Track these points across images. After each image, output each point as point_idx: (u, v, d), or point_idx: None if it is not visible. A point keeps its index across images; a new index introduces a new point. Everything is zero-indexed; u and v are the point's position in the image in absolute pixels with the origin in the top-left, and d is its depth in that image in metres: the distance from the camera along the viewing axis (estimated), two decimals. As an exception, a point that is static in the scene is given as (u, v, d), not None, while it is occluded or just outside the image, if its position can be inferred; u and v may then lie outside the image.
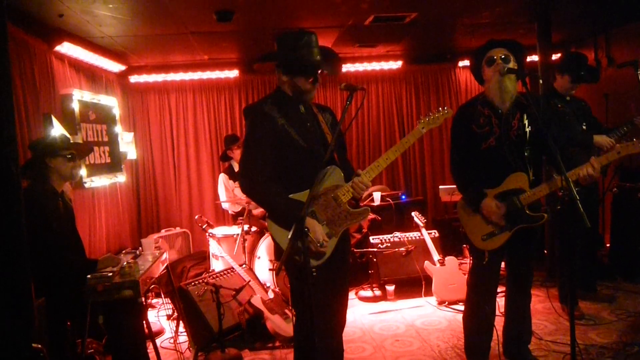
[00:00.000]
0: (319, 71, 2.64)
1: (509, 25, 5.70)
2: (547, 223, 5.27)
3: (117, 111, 5.97)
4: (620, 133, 4.21)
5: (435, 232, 5.34)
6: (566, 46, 6.87)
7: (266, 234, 5.17)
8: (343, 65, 6.83)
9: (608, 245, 5.50)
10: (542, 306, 4.58)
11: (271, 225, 2.58)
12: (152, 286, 5.00)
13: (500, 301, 3.58)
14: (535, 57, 5.64)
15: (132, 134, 6.48)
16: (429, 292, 4.94)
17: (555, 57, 6.51)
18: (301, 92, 2.66)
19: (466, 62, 7.19)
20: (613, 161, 3.14)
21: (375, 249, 5.18)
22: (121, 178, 5.98)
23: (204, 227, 4.86)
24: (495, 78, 3.07)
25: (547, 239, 5.42)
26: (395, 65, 7.10)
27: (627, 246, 5.07)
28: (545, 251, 5.62)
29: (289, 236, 2.31)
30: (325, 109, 2.84)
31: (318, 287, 2.53)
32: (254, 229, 5.32)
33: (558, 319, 4.27)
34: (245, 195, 2.75)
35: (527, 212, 3.09)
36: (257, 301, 4.25)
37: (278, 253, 2.68)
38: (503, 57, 3.07)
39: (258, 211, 5.67)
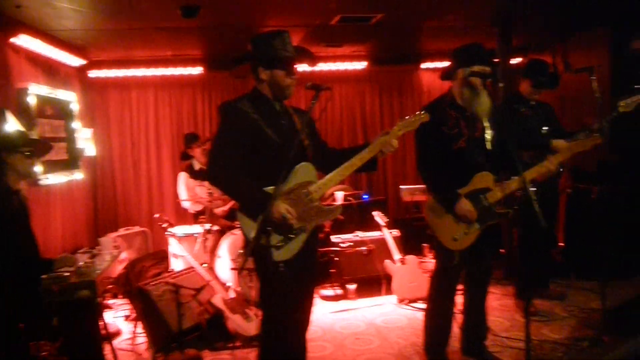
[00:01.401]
0: (298, 63, 2.71)
1: (472, 29, 5.81)
2: (504, 222, 5.44)
3: (75, 106, 5.83)
4: (578, 139, 4.35)
5: (396, 232, 5.41)
6: (526, 51, 7.05)
7: (228, 233, 5.14)
8: (308, 65, 6.84)
9: (562, 244, 5.69)
10: (498, 303, 4.71)
11: (241, 218, 2.58)
12: (110, 286, 4.90)
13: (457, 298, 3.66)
14: (495, 61, 5.78)
15: (90, 130, 6.33)
16: (389, 291, 5.00)
17: (514, 61, 6.69)
18: (281, 89, 2.69)
19: (429, 64, 7.30)
20: (569, 159, 3.26)
21: (336, 248, 5.22)
22: (78, 175, 5.84)
23: (164, 225, 4.79)
24: (476, 93, 3.17)
25: (505, 238, 5.56)
26: (360, 65, 7.15)
27: (580, 245, 5.26)
28: (502, 250, 5.77)
29: (258, 220, 2.34)
30: (303, 112, 2.87)
31: (285, 284, 2.55)
32: (215, 228, 5.27)
33: (514, 315, 4.40)
34: (211, 183, 2.74)
35: (494, 209, 3.22)
36: (217, 301, 4.22)
37: (245, 246, 2.69)
38: (485, 75, 3.15)
39: (220, 210, 5.63)
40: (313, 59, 2.83)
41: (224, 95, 6.87)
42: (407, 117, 2.83)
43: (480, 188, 3.21)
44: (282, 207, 2.52)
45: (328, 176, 2.71)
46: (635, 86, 5.07)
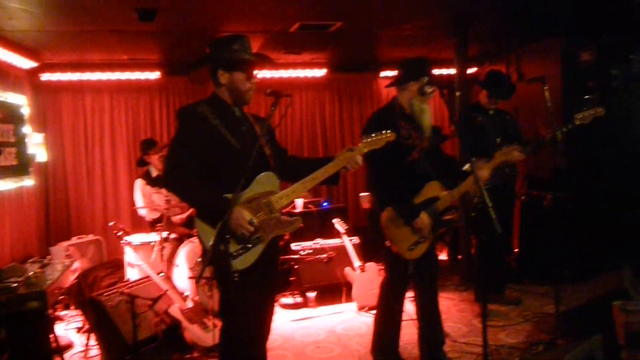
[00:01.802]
0: (257, 68, 2.71)
1: (429, 38, 5.93)
2: (461, 229, 5.55)
3: (26, 110, 5.64)
4: (530, 148, 4.47)
5: (356, 239, 5.43)
6: (481, 61, 7.24)
7: (185, 242, 5.06)
8: (268, 72, 6.85)
9: (516, 250, 5.83)
10: (456, 309, 4.78)
11: (199, 226, 2.53)
12: (61, 297, 4.75)
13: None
14: (452, 71, 5.90)
15: (42, 135, 6.13)
16: (349, 298, 5.01)
17: (471, 71, 6.86)
18: (240, 93, 2.67)
19: (388, 73, 7.40)
20: (524, 166, 3.36)
21: (296, 256, 5.20)
22: (29, 182, 5.64)
23: (119, 234, 4.68)
24: (422, 106, 3.31)
25: (462, 244, 5.66)
26: (319, 73, 7.18)
27: (533, 251, 5.40)
28: (460, 256, 5.88)
29: (217, 228, 2.32)
30: (262, 120, 2.86)
31: (245, 294, 2.53)
32: (172, 236, 5.19)
33: (471, 321, 4.47)
34: (168, 189, 2.70)
35: (442, 218, 3.32)
36: (175, 311, 4.14)
37: (203, 255, 2.64)
38: (432, 91, 3.29)
39: (177, 218, 5.55)
40: (273, 64, 2.83)
41: (182, 101, 6.78)
42: (373, 135, 2.83)
43: (430, 197, 3.30)
44: (243, 214, 2.49)
45: (291, 188, 2.70)
46: (586, 97, 5.29)
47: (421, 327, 3.54)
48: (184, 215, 5.57)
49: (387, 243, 3.25)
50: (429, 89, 3.28)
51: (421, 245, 3.27)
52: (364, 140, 2.83)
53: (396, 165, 3.23)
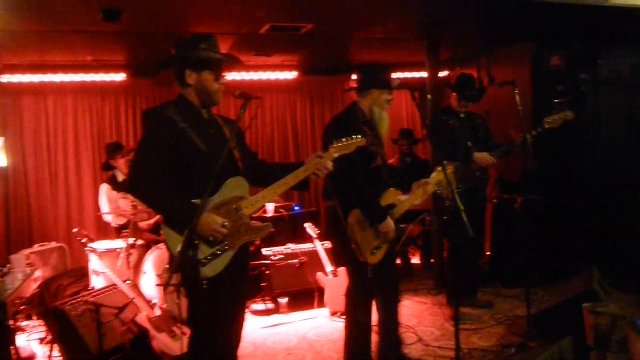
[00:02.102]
0: (226, 69, 2.70)
1: (401, 41, 5.98)
2: (433, 233, 5.60)
3: (-17, 113, 5.48)
4: (500, 152, 4.57)
5: (327, 243, 5.43)
6: (452, 64, 7.34)
7: (153, 248, 4.99)
8: (237, 74, 6.82)
9: (488, 253, 5.92)
10: (428, 313, 4.82)
11: (166, 232, 2.50)
12: (22, 307, 4.63)
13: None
14: (424, 74, 5.97)
15: (1, 139, 5.97)
16: (322, 304, 5.01)
17: (442, 74, 6.94)
18: (209, 94, 2.65)
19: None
20: (495, 169, 3.44)
21: (267, 261, 5.17)
22: (-13, 187, 5.48)
23: (83, 240, 4.60)
24: (382, 114, 3.42)
25: (435, 248, 5.72)
26: (290, 75, 7.18)
27: (505, 254, 5.49)
28: (432, 260, 5.93)
29: (185, 234, 2.29)
30: (231, 122, 2.84)
31: (214, 301, 2.51)
32: (139, 242, 5.11)
33: (444, 324, 4.51)
34: (133, 195, 2.65)
35: (399, 225, 3.48)
36: (142, 319, 4.08)
37: (171, 262, 2.61)
38: (391, 99, 3.45)
39: (144, 223, 5.47)
40: (241, 64, 2.81)
41: (149, 103, 6.70)
42: (343, 140, 2.85)
43: (388, 204, 3.39)
44: (215, 218, 2.47)
45: (261, 193, 2.69)
46: (555, 100, 5.41)
47: (382, 332, 3.59)
48: (151, 221, 5.50)
49: (353, 245, 3.28)
50: (389, 99, 3.43)
51: (381, 249, 3.35)
52: (335, 145, 2.84)
53: (362, 169, 3.30)
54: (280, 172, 2.74)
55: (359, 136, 2.89)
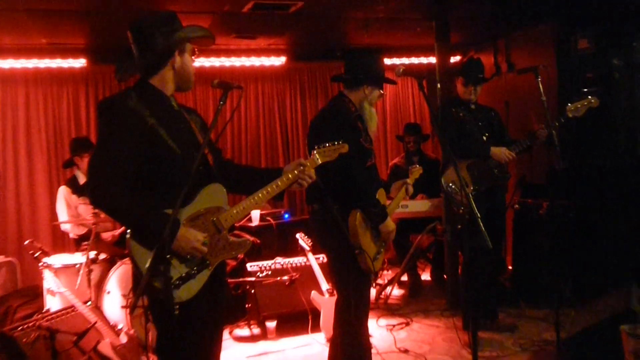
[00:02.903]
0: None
1: (405, 22, 5.97)
2: (446, 244, 5.58)
3: None
4: (521, 146, 4.55)
5: (323, 257, 5.39)
6: (465, 48, 7.34)
7: (118, 263, 4.94)
8: (216, 59, 6.81)
9: (510, 267, 5.89)
10: (441, 338, 4.78)
11: (133, 247, 2.44)
12: (-36, 333, 4.57)
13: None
14: (433, 59, 5.95)
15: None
16: (317, 328, 4.97)
17: (454, 59, 6.94)
18: (189, 76, 2.63)
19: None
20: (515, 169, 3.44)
21: (253, 279, 5.13)
22: None
23: (36, 255, 4.56)
24: (373, 111, 3.59)
25: (447, 262, 5.69)
26: (278, 61, 7.16)
27: (530, 268, 5.46)
28: (445, 276, 5.90)
29: (154, 250, 2.26)
30: (192, 111, 2.82)
31: (188, 328, 2.48)
32: (102, 256, 5.06)
33: (459, 352, 4.47)
34: (95, 206, 2.59)
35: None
36: (105, 347, 4.06)
37: (138, 283, 2.53)
38: (381, 95, 3.67)
39: (108, 234, 5.44)
40: (213, 42, 2.78)
41: (114, 92, 6.64)
42: (327, 145, 2.94)
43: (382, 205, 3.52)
44: (195, 234, 2.43)
45: (241, 204, 2.67)
46: (584, 90, 5.40)
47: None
48: (117, 232, 5.47)
49: (357, 252, 3.33)
50: (381, 94, 3.64)
51: (381, 256, 3.50)
52: (319, 150, 2.90)
53: (363, 166, 3.43)
54: (257, 179, 2.77)
55: (341, 141, 2.99)
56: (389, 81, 3.74)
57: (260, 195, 2.69)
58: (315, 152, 2.89)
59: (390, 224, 3.45)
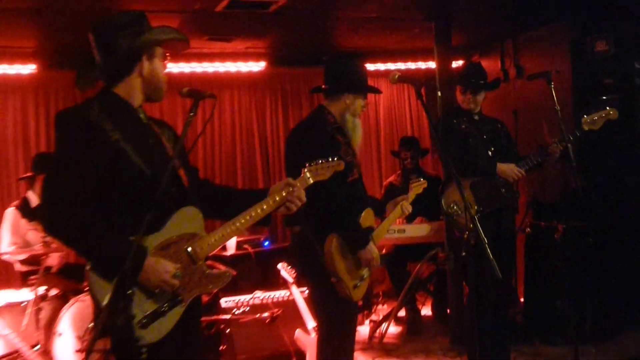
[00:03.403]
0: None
1: (402, 22, 6.00)
2: (450, 274, 5.58)
3: None
4: (531, 162, 4.56)
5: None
6: (469, 52, 7.39)
7: (72, 300, 4.88)
8: (186, 65, 6.81)
9: (522, 299, 5.89)
10: (446, 383, 4.77)
11: (92, 279, 2.41)
12: None
13: None
14: (432, 64, 5.99)
15: None
16: (302, 372, 4.94)
17: (456, 64, 6.98)
18: (160, 84, 2.61)
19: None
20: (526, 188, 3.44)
21: (228, 316, 5.10)
22: None
23: (-24, 291, 4.50)
24: (356, 122, 3.67)
25: (450, 294, 5.69)
26: (256, 66, 7.18)
27: (544, 301, 5.46)
28: (448, 310, 5.89)
29: (115, 282, 2.22)
30: (163, 124, 2.80)
31: None
32: (53, 292, 5.01)
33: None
34: (49, 233, 2.55)
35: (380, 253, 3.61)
36: (56, 398, 3.98)
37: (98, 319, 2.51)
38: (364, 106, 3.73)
39: (56, 255, 5.37)
40: (187, 45, 2.77)
41: (67, 103, 6.66)
42: (320, 162, 2.95)
43: (367, 227, 3.54)
44: (165, 265, 2.41)
45: (220, 231, 2.64)
46: (602, 97, 5.45)
47: None
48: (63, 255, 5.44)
49: (333, 280, 3.33)
50: (364, 104, 3.71)
51: (363, 284, 3.51)
52: (310, 169, 2.90)
53: (340, 185, 3.39)
54: (239, 201, 2.73)
55: (337, 159, 3.03)
56: (372, 90, 3.82)
57: (242, 220, 2.65)
58: (306, 170, 2.89)
59: (371, 251, 3.44)
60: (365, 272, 3.51)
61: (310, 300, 3.74)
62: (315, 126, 3.59)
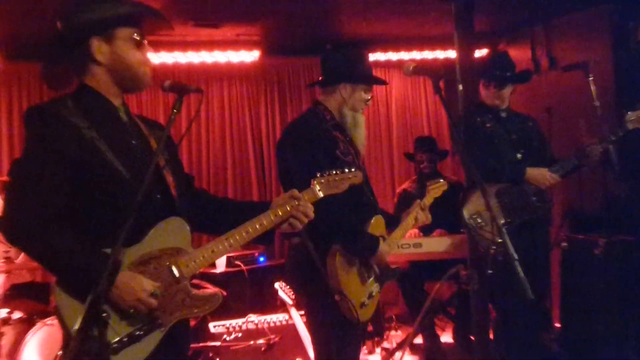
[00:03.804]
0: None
1: (416, 4, 6.01)
2: (474, 295, 5.57)
3: None
4: (567, 166, 4.55)
5: (311, 313, 5.38)
6: (495, 39, 7.40)
7: (38, 324, 4.90)
8: (168, 54, 6.82)
9: (557, 325, 5.88)
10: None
11: (60, 298, 2.41)
12: None
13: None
14: (452, 53, 6.00)
15: None
16: (302, 408, 4.94)
17: (479, 53, 6.99)
18: (131, 69, 2.57)
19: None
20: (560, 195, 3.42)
21: (217, 343, 5.10)
22: None
23: None
24: (356, 117, 3.65)
25: (474, 318, 5.67)
26: (249, 56, 7.18)
27: (582, 325, 5.45)
28: (472, 336, 5.88)
29: (88, 301, 2.18)
30: (153, 124, 2.81)
31: None
32: (17, 315, 5.02)
33: None
34: (12, 243, 2.54)
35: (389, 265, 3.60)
36: None
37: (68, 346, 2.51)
38: (369, 100, 3.70)
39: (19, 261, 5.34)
40: (168, 25, 2.76)
41: (33, 99, 6.73)
42: (334, 172, 2.94)
43: (378, 236, 3.53)
44: (141, 281, 2.40)
45: (210, 246, 2.63)
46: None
47: None
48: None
49: (337, 297, 3.29)
50: (367, 98, 3.66)
51: (372, 301, 3.49)
52: (320, 180, 2.89)
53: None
54: (237, 214, 2.72)
55: (353, 170, 3.04)
56: (373, 79, 3.75)
57: (237, 236, 2.64)
58: (315, 182, 2.87)
59: (382, 254, 3.45)
60: (374, 288, 3.49)
61: (308, 323, 3.71)
62: (305, 124, 3.60)
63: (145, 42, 2.63)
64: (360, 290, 3.42)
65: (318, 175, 2.90)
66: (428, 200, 3.79)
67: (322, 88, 3.70)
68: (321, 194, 2.88)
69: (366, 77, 3.66)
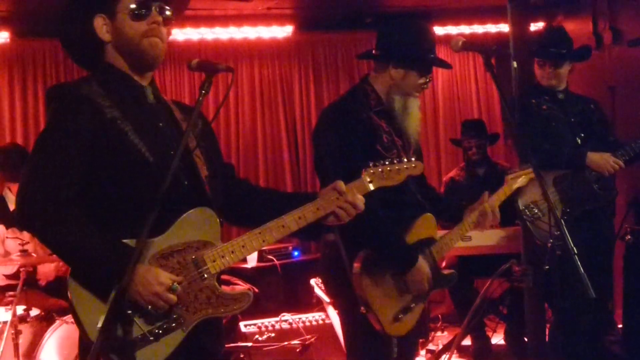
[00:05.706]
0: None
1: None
2: (528, 293, 5.55)
3: None
4: (632, 151, 4.51)
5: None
6: (551, 11, 7.32)
7: (57, 322, 4.97)
8: (194, 30, 6.86)
9: (620, 325, 5.84)
10: None
11: (77, 293, 2.44)
12: None
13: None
14: (505, 27, 5.96)
15: None
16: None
17: (535, 27, 6.93)
18: (136, 45, 2.54)
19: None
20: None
21: (249, 344, 5.14)
22: None
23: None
24: (409, 104, 3.48)
25: (529, 317, 5.66)
26: (282, 32, 7.22)
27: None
28: (526, 338, 5.87)
29: (111, 297, 2.22)
30: (187, 109, 2.81)
31: None
32: (35, 312, 5.10)
33: None
34: (24, 228, 2.59)
35: (442, 271, 3.53)
36: None
37: (84, 348, 2.54)
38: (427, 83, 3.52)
39: (45, 280, 5.45)
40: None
41: (49, 79, 6.81)
42: (386, 162, 2.88)
43: (423, 239, 3.45)
44: (158, 274, 2.42)
45: (240, 240, 2.59)
46: None
47: None
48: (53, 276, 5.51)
49: (363, 310, 3.25)
50: (422, 82, 3.46)
51: (412, 314, 3.38)
52: (370, 171, 2.83)
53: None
54: (276, 205, 2.70)
55: (413, 159, 2.96)
56: (431, 61, 3.52)
57: (271, 229, 2.60)
58: (365, 173, 2.81)
59: (419, 271, 3.31)
60: (411, 300, 3.38)
61: (342, 330, 3.69)
62: (346, 111, 3.47)
63: (153, 12, 2.54)
64: (393, 302, 3.33)
65: (371, 164, 2.83)
66: (501, 195, 3.61)
67: (375, 63, 3.57)
68: (372, 187, 2.81)
69: (420, 61, 3.43)
